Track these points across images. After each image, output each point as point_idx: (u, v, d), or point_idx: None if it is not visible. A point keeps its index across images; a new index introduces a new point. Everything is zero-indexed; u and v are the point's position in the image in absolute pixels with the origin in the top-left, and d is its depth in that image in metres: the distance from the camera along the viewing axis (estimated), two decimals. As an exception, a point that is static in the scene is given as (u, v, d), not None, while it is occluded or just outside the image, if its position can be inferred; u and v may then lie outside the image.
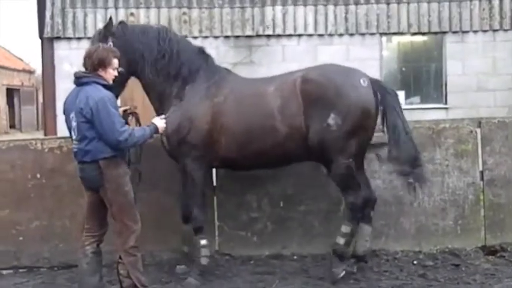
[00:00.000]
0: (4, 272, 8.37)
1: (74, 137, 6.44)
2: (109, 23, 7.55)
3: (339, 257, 7.53)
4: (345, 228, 7.51)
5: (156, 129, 6.86)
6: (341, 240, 7.52)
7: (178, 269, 7.94)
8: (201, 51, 7.92)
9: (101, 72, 6.44)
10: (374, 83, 7.63)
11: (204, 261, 7.67)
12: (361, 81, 7.42)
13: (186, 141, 7.48)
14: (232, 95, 7.59)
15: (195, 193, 7.62)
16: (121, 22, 7.79)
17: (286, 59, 15.58)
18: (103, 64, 6.43)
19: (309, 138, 7.31)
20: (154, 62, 7.61)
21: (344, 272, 7.51)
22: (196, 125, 7.48)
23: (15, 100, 48.53)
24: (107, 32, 7.48)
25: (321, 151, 7.35)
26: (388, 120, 7.48)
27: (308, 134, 7.31)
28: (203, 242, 7.67)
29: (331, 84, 7.34)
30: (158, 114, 7.53)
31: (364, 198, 7.48)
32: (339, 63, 8.27)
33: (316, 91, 7.31)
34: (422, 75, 16.67)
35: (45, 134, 15.78)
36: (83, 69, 6.50)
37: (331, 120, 7.20)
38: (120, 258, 6.52)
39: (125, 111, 7.13)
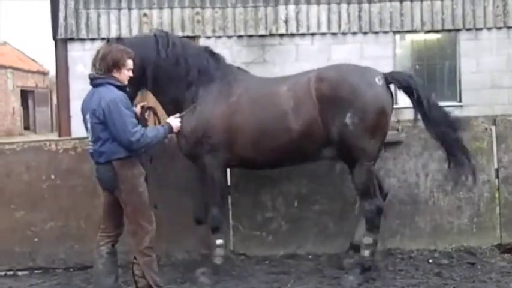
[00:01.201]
0: (20, 273, 8.39)
1: (89, 138, 6.48)
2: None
3: (364, 269, 7.42)
4: (367, 240, 7.41)
5: (170, 129, 6.87)
6: (366, 253, 7.42)
7: (198, 273, 7.78)
8: (208, 50, 7.84)
9: (115, 74, 6.46)
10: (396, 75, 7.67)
11: (218, 260, 7.66)
12: (376, 79, 7.38)
13: (203, 142, 7.44)
14: (246, 95, 7.55)
15: (213, 193, 7.60)
16: (117, 39, 7.63)
17: (300, 58, 15.53)
18: (117, 65, 6.45)
19: (330, 138, 7.26)
20: (159, 71, 7.44)
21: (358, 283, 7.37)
22: (213, 125, 7.44)
23: (30, 102, 48.91)
24: None
25: (344, 152, 7.31)
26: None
27: (326, 133, 7.26)
28: (219, 241, 7.66)
29: (346, 83, 7.29)
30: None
31: (378, 205, 7.37)
32: (352, 62, 8.25)
33: (331, 90, 7.25)
34: (436, 73, 16.57)
35: (60, 135, 15.79)
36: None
37: (348, 119, 7.15)
38: (135, 258, 6.53)
39: (142, 106, 7.13)
